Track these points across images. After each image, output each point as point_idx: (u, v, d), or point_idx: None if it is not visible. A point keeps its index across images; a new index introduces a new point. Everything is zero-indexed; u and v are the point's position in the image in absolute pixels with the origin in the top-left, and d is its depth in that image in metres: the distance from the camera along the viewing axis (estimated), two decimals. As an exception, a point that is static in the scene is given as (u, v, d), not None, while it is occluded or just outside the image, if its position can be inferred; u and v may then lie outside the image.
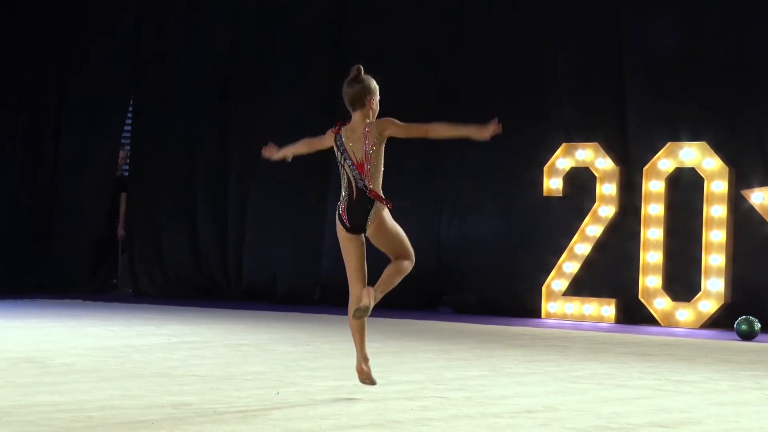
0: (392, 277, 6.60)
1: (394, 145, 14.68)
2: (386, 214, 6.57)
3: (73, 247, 15.29)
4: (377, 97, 6.70)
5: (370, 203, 6.51)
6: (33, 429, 5.28)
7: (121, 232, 15.51)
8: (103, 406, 5.95)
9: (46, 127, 15.37)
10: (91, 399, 6.21)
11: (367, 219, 6.52)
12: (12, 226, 15.10)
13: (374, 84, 6.69)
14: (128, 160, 15.62)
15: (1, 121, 14.65)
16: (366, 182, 6.52)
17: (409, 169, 13.44)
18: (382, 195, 6.54)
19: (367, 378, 6.59)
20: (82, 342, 9.32)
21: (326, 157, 14.23)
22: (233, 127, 14.61)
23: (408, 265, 6.67)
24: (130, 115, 15.55)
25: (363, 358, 6.63)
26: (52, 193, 15.42)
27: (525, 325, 11.81)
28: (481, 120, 14.21)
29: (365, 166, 6.53)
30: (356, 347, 6.64)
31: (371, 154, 6.54)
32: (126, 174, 15.69)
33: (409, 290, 13.51)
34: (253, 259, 14.36)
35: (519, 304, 12.72)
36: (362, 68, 6.68)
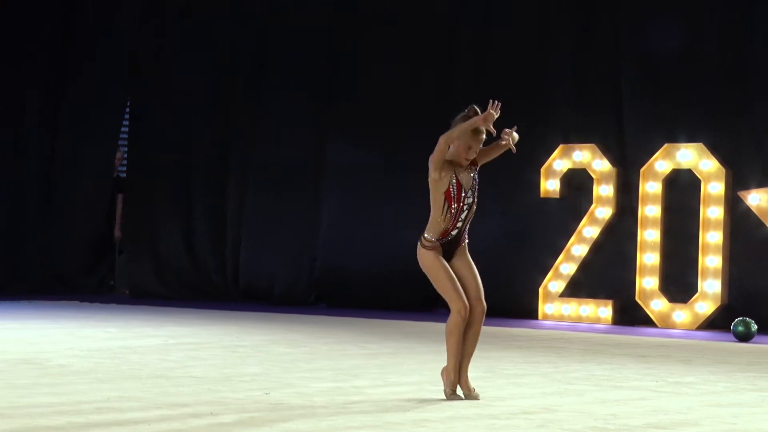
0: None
1: (387, 144, 14.62)
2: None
3: (69, 248, 15.27)
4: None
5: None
6: (31, 430, 5.28)
7: (117, 233, 15.50)
8: (100, 408, 5.95)
9: (42, 127, 15.35)
10: (88, 400, 6.20)
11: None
12: (8, 227, 15.08)
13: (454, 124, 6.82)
14: (125, 161, 15.62)
15: (-1, 122, 14.65)
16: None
17: (408, 171, 13.44)
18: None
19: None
20: (80, 343, 9.31)
21: (322, 160, 14.29)
22: (230, 128, 14.60)
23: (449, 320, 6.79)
24: (126, 115, 15.54)
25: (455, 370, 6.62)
26: (49, 193, 15.41)
27: (522, 327, 11.81)
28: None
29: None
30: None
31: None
32: (123, 175, 15.68)
33: (405, 292, 13.60)
34: (250, 260, 14.35)
35: (516, 305, 12.71)
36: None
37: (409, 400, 6.49)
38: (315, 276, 14.02)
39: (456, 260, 6.68)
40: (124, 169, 15.64)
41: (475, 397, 6.52)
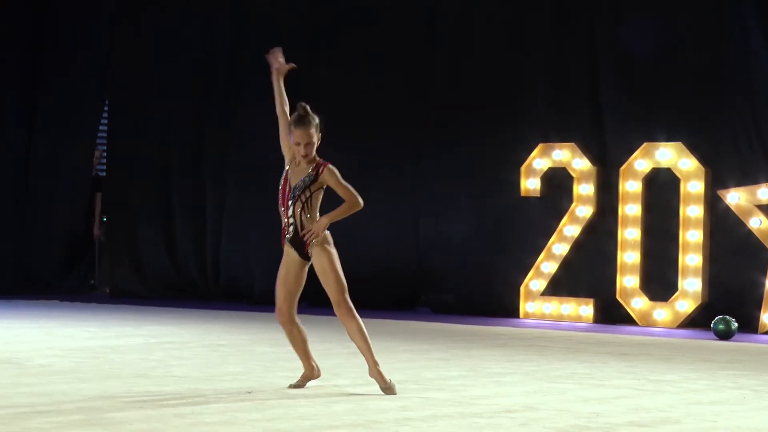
0: None
1: (363, 144, 14.62)
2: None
3: (48, 247, 15.21)
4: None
5: None
6: (10, 429, 5.25)
7: (97, 232, 15.45)
8: (81, 407, 5.92)
9: (20, 126, 15.28)
10: (68, 400, 6.18)
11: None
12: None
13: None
14: (103, 160, 15.56)
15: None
16: None
17: (386, 171, 13.44)
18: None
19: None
20: (60, 343, 9.27)
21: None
22: (208, 127, 14.57)
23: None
24: (105, 114, 15.49)
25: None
26: (27, 193, 15.33)
27: (503, 325, 11.83)
28: (455, 121, 14.21)
29: None
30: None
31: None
32: (101, 174, 15.63)
33: (387, 290, 13.59)
34: (230, 258, 14.32)
35: (497, 304, 12.73)
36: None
37: (391, 399, 6.48)
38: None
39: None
40: (103, 168, 15.59)
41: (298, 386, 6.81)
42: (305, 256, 6.77)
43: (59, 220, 15.24)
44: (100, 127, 15.55)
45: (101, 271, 15.54)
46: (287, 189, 6.74)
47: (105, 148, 15.53)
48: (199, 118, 14.63)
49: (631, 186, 12.22)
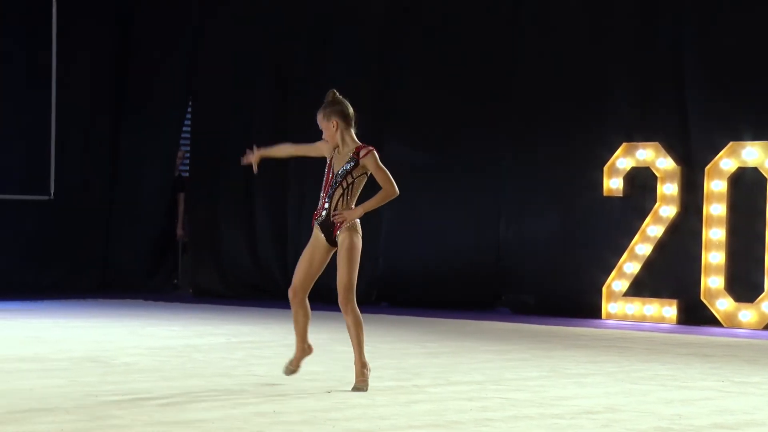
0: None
1: (442, 143, 14.58)
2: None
3: (133, 247, 15.41)
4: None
5: None
6: (97, 428, 5.33)
7: (180, 232, 15.61)
8: (163, 405, 5.99)
9: (105, 127, 15.51)
10: (152, 397, 6.25)
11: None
12: (71, 226, 15.24)
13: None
14: (186, 160, 15.72)
15: (62, 122, 14.79)
16: None
17: (467, 170, 13.41)
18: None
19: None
20: (144, 342, 9.39)
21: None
22: (291, 127, 14.65)
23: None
24: (188, 114, 15.65)
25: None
26: (112, 192, 15.56)
27: (585, 326, 11.73)
28: (538, 120, 14.12)
29: None
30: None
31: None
32: (184, 174, 15.79)
33: (467, 290, 13.56)
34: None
35: (578, 304, 12.64)
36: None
37: (470, 399, 6.46)
38: (376, 275, 14.02)
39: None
40: (186, 168, 15.74)
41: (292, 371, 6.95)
42: (332, 241, 6.88)
43: (143, 220, 15.44)
44: (184, 128, 15.72)
45: (183, 271, 15.71)
46: (330, 176, 6.88)
47: (188, 148, 15.69)
48: (282, 118, 14.71)
49: (716, 186, 12.05)
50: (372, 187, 6.92)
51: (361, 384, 6.71)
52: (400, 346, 9.36)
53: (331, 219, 6.81)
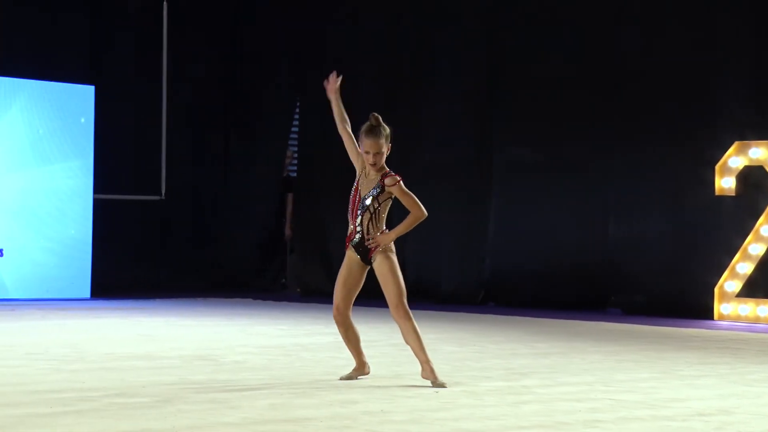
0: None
1: (550, 143, 14.46)
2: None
3: (241, 246, 15.60)
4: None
5: None
6: (206, 426, 5.39)
7: (288, 232, 15.74)
8: (272, 404, 6.04)
9: (215, 128, 15.72)
10: (260, 396, 6.30)
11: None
12: (180, 226, 15.47)
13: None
14: (294, 161, 15.84)
15: (173, 123, 15.02)
16: None
17: (575, 168, 13.30)
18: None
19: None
20: (253, 341, 9.48)
21: (487, 159, 14.24)
22: (397, 127, 14.66)
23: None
24: (296, 115, 15.77)
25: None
26: (222, 193, 15.77)
27: (696, 327, 11.54)
28: (647, 119, 13.94)
29: None
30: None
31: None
32: (293, 174, 15.92)
33: (577, 290, 13.43)
34: (418, 257, 14.39)
35: (690, 305, 12.44)
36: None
37: (579, 400, 6.39)
38: (483, 275, 13.98)
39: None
40: (294, 168, 15.87)
41: (350, 377, 6.98)
42: (367, 261, 7.04)
43: (252, 221, 15.62)
44: (292, 129, 15.86)
45: (291, 271, 15.83)
46: (357, 199, 6.99)
47: (296, 148, 15.81)
48: (388, 118, 14.72)
49: (832, 184, 11.77)
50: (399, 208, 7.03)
51: (439, 384, 6.71)
52: (508, 346, 9.31)
53: (366, 244, 6.92)
